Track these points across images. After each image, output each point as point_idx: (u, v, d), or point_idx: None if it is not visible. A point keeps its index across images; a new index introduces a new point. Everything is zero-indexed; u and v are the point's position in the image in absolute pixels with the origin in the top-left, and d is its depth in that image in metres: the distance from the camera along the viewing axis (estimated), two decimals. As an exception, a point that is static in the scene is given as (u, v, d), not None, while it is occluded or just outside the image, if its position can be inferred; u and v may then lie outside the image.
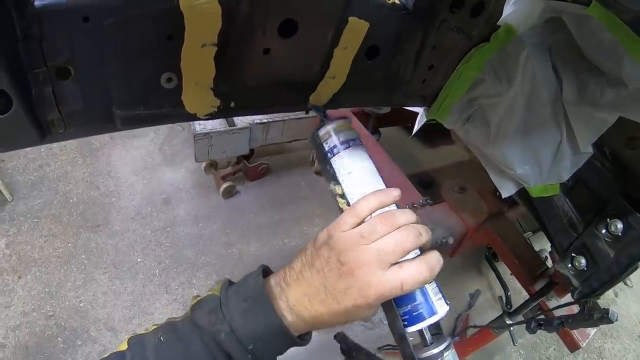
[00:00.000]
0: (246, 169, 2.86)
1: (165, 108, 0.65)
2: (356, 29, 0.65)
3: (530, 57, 0.88)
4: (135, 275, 2.41)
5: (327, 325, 0.64)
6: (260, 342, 0.61)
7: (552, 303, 1.49)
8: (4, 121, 0.51)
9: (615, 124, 0.90)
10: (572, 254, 1.09)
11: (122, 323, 2.22)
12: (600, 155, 1.03)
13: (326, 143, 0.73)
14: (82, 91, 0.57)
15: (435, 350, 0.65)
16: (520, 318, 1.59)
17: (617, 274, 1.02)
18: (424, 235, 0.61)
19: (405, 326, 0.65)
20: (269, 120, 2.45)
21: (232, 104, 0.67)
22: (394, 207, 0.67)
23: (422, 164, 2.54)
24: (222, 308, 0.62)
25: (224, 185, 2.75)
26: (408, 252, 0.60)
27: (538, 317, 1.34)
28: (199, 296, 0.67)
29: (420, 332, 0.66)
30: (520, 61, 0.88)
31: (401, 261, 0.60)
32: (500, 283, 2.13)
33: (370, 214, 0.63)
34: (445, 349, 0.65)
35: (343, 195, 0.72)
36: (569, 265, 1.10)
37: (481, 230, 1.60)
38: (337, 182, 0.72)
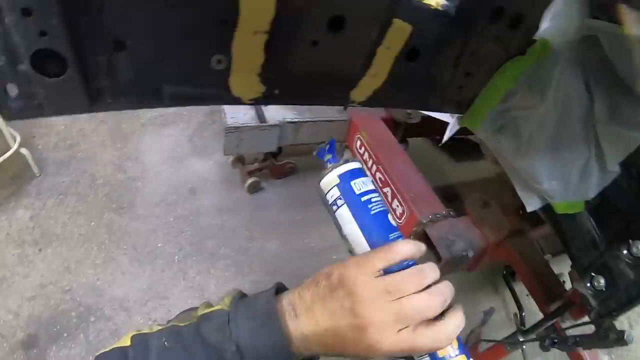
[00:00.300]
0: (273, 166, 2.86)
1: (212, 89, 0.67)
2: (399, 31, 0.68)
3: (564, 73, 0.90)
4: (154, 259, 2.43)
5: (334, 356, 0.61)
6: None
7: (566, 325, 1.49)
8: (57, 84, 0.54)
9: (644, 143, 0.91)
10: (592, 273, 1.09)
11: (137, 305, 2.24)
12: (627, 175, 1.03)
13: (330, 191, 0.71)
14: (135, 64, 0.59)
15: None
16: (533, 337, 1.58)
17: (635, 297, 1.01)
18: (449, 298, 0.58)
19: None
20: (300, 120, 2.45)
21: (276, 92, 0.69)
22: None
23: (446, 177, 2.53)
24: (230, 325, 0.60)
25: (250, 181, 2.76)
26: (428, 319, 0.56)
27: (553, 335, 1.33)
28: (209, 305, 0.66)
29: None
30: (554, 76, 0.89)
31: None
32: (516, 303, 2.12)
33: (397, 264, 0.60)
34: None
35: (352, 253, 0.69)
36: (588, 285, 1.10)
37: (502, 246, 1.60)
38: (343, 237, 0.70)
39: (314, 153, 0.76)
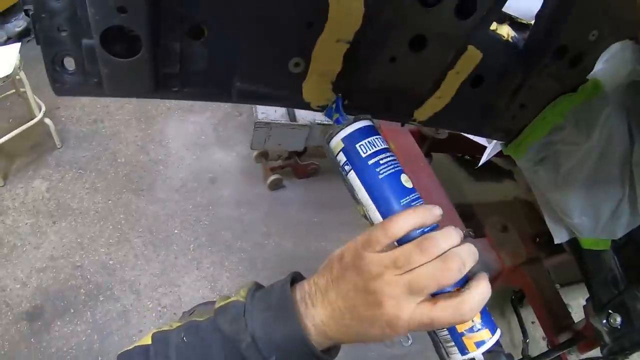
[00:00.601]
0: (296, 165, 2.86)
1: (284, 90, 0.68)
2: (471, 57, 0.70)
3: (611, 115, 0.93)
4: (169, 245, 2.44)
5: (355, 342, 0.59)
6: (281, 354, 0.57)
7: (573, 358, 1.51)
8: (125, 65, 0.52)
9: (676, 193, 0.94)
10: (609, 311, 1.11)
11: (147, 289, 2.24)
12: (656, 221, 1.06)
13: (337, 157, 0.65)
14: (209, 55, 0.58)
15: None
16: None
17: (649, 338, 1.04)
18: (468, 263, 0.53)
19: (451, 353, 0.60)
20: (330, 123, 2.42)
21: (346, 102, 0.70)
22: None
23: (464, 195, 2.54)
24: (245, 316, 0.58)
25: (272, 177, 2.76)
26: (446, 287, 0.53)
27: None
28: (227, 297, 0.64)
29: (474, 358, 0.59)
30: (602, 117, 0.92)
31: (439, 294, 0.54)
32: (521, 329, 2.13)
33: (407, 234, 0.56)
34: None
35: (367, 217, 0.64)
36: (604, 321, 1.12)
37: (516, 272, 1.62)
38: (357, 202, 0.64)
39: (323, 113, 0.72)
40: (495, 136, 0.93)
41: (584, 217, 1.05)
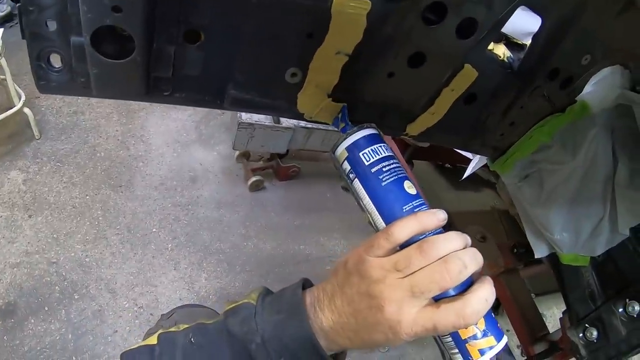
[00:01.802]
0: (277, 167, 2.86)
1: (279, 100, 0.67)
2: (467, 75, 0.71)
3: (597, 136, 0.95)
4: (147, 244, 2.40)
5: (361, 349, 0.61)
6: (290, 356, 0.58)
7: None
8: (116, 66, 0.51)
9: (656, 215, 0.97)
10: (586, 324, 1.14)
11: (123, 288, 2.20)
12: (635, 240, 1.09)
13: (342, 165, 0.67)
14: (204, 60, 0.56)
15: None
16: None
17: (624, 352, 1.06)
18: (470, 266, 0.53)
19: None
20: (313, 126, 2.45)
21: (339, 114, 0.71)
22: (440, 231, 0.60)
23: (443, 203, 2.56)
24: (256, 318, 0.60)
25: (253, 179, 2.75)
26: (447, 289, 0.53)
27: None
28: (235, 301, 0.65)
29: None
30: (588, 137, 0.95)
31: (441, 298, 0.54)
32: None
33: (409, 238, 0.56)
34: None
35: (372, 224, 0.65)
36: (581, 335, 1.15)
37: (494, 282, 1.63)
38: (363, 210, 0.65)
39: (331, 122, 0.72)
40: (483, 152, 0.94)
41: (564, 233, 1.07)
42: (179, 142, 2.96)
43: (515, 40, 0.80)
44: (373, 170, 0.63)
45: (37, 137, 2.63)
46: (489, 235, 1.73)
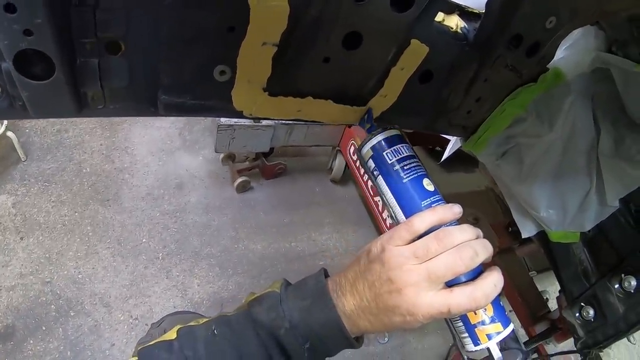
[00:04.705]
0: (263, 166, 2.85)
1: (213, 100, 0.64)
2: (416, 52, 0.65)
3: (574, 104, 0.89)
4: (138, 255, 2.40)
5: (381, 332, 0.65)
6: (317, 340, 0.62)
7: (550, 347, 1.49)
8: (42, 87, 0.50)
9: (645, 182, 0.91)
10: (582, 303, 1.09)
11: (118, 301, 2.20)
12: (626, 211, 1.03)
13: (367, 163, 0.73)
14: (129, 69, 0.55)
15: None
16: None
17: (623, 330, 1.02)
18: (481, 254, 0.59)
19: (465, 344, 0.65)
20: (294, 122, 2.41)
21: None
22: (455, 223, 0.66)
23: (437, 187, 2.53)
24: (282, 305, 0.64)
25: (239, 180, 2.74)
26: (460, 274, 0.59)
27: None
28: (254, 293, 0.68)
29: (488, 349, 0.64)
30: (564, 106, 0.89)
31: (455, 284, 0.59)
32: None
33: (428, 230, 0.62)
34: None
35: (393, 217, 0.71)
36: (577, 314, 1.10)
37: (489, 263, 1.59)
38: (385, 204, 0.71)
39: (357, 123, 0.76)
40: (452, 132, 0.88)
41: (551, 210, 1.02)
42: (163, 151, 2.95)
43: (470, 10, 0.73)
44: (395, 168, 0.70)
45: (23, 159, 2.62)
46: (482, 216, 1.69)
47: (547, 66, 0.83)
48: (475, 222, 1.66)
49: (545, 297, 1.82)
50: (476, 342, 0.64)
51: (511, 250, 1.65)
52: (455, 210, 0.65)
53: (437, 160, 2.64)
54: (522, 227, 1.11)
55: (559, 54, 0.85)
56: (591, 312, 1.07)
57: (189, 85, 0.61)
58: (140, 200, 2.64)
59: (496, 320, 0.63)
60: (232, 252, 2.55)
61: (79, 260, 2.30)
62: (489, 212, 1.69)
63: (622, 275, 1.02)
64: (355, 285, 0.62)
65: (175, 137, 3.07)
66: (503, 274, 1.52)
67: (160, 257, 2.43)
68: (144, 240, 2.47)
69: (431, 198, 0.68)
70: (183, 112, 0.64)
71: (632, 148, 0.92)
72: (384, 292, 0.59)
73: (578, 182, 0.99)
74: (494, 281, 0.60)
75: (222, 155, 2.78)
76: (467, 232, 0.61)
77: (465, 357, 0.71)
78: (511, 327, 0.64)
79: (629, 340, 1.10)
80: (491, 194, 1.81)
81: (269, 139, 2.49)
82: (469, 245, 0.59)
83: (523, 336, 1.54)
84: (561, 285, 1.18)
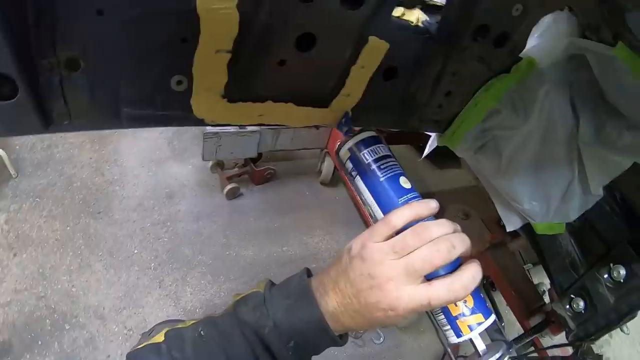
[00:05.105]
0: (252, 172, 2.85)
1: (174, 110, 0.63)
2: (375, 49, 0.64)
3: (550, 92, 0.87)
4: (130, 266, 2.40)
5: (364, 329, 0.67)
6: (301, 338, 0.63)
7: (546, 339, 1.48)
8: (8, 107, 0.50)
9: (629, 169, 0.89)
10: (571, 295, 1.07)
11: (112, 313, 2.20)
12: (611, 199, 1.01)
13: (346, 164, 0.75)
14: (90, 85, 0.55)
15: None
16: (512, 353, 1.56)
17: (614, 321, 1.00)
18: (458, 247, 0.60)
19: (448, 336, 0.66)
20: (287, 126, 2.41)
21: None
22: (432, 218, 0.66)
23: (429, 185, 2.52)
24: (266, 304, 0.64)
25: (229, 187, 2.74)
26: (438, 267, 0.59)
27: (529, 356, 1.31)
28: (240, 294, 0.69)
29: (471, 340, 0.65)
30: (539, 96, 0.86)
31: (434, 277, 0.60)
32: (495, 313, 2.09)
33: (405, 226, 0.62)
34: None
35: (372, 216, 0.72)
36: (567, 307, 1.08)
37: (481, 259, 1.58)
38: (364, 203, 0.73)
39: (335, 126, 0.76)
40: (425, 128, 0.86)
41: (534, 202, 1.00)
42: (153, 161, 2.96)
43: (432, 2, 0.72)
44: (372, 168, 0.71)
45: (14, 176, 2.63)
46: (473, 212, 1.68)
47: (520, 55, 0.81)
48: (465, 218, 1.65)
49: (542, 290, 1.80)
50: (458, 333, 0.65)
51: (504, 244, 1.63)
52: (432, 205, 0.65)
53: (427, 157, 2.63)
54: (506, 220, 1.09)
55: (532, 42, 0.83)
56: (581, 303, 1.05)
57: (148, 97, 0.60)
58: (131, 212, 2.64)
59: (477, 312, 0.64)
60: (224, 259, 2.55)
61: (72, 274, 2.30)
62: (481, 207, 1.67)
63: (611, 264, 1.00)
64: (337, 282, 0.63)
65: (164, 146, 3.07)
66: (496, 269, 1.51)
67: (152, 267, 2.43)
68: (135, 251, 2.47)
69: (408, 195, 0.69)
70: (146, 124, 0.64)
71: (612, 134, 0.89)
72: (365, 288, 0.60)
73: (560, 172, 0.97)
74: (472, 273, 0.60)
75: (210, 163, 2.78)
76: (444, 226, 0.62)
77: (448, 350, 0.73)
78: (493, 317, 0.65)
79: (621, 330, 1.08)
80: (483, 189, 1.79)
81: (256, 144, 2.49)
82: (446, 238, 0.60)
83: (519, 330, 1.53)
84: (550, 278, 1.16)
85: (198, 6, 0.50)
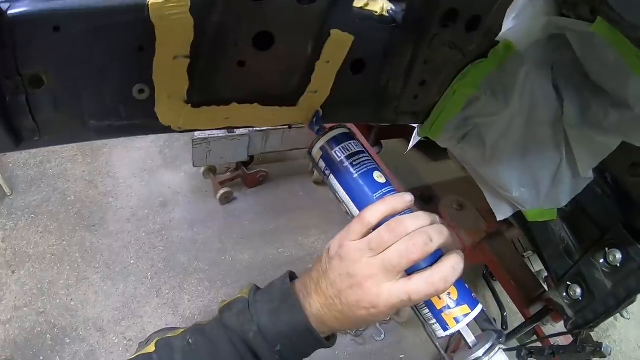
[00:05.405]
0: (244, 175, 2.85)
1: (139, 119, 0.63)
2: (339, 42, 0.62)
3: (530, 74, 0.84)
4: (127, 277, 2.41)
5: (349, 329, 0.69)
6: (287, 342, 0.62)
7: (548, 328, 1.45)
8: None
9: (618, 149, 0.86)
10: (568, 282, 1.04)
11: (111, 324, 2.21)
12: (602, 182, 0.98)
13: (319, 163, 0.74)
14: (55, 100, 0.55)
15: (475, 356, 0.63)
16: (514, 342, 1.54)
17: (613, 307, 0.96)
18: (435, 239, 0.59)
19: (435, 331, 0.66)
20: (269, 128, 2.43)
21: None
22: (409, 212, 0.65)
23: (423, 177, 2.50)
24: (250, 309, 0.64)
25: (222, 191, 2.74)
26: (416, 261, 0.58)
27: (529, 345, 1.29)
28: (225, 300, 0.69)
29: (459, 333, 0.65)
30: (519, 79, 0.83)
31: (413, 271, 0.60)
32: (497, 303, 2.07)
33: (382, 221, 0.62)
34: (486, 353, 0.63)
35: (349, 213, 0.72)
36: (564, 294, 1.05)
37: (478, 249, 1.56)
38: (339, 201, 0.72)
39: (307, 125, 0.76)
40: (402, 120, 0.84)
41: (522, 188, 0.97)
42: (145, 170, 2.97)
43: (398, -10, 0.69)
44: (345, 165, 0.70)
45: (8, 194, 2.64)
46: (467, 202, 1.65)
47: (497, 39, 0.78)
48: (460, 209, 1.62)
49: (543, 277, 1.77)
50: (445, 327, 0.64)
51: (500, 233, 1.60)
52: (407, 198, 0.65)
53: (421, 150, 2.59)
54: (496, 210, 1.06)
55: (508, 24, 0.80)
56: (578, 290, 1.02)
57: (112, 108, 0.60)
58: (126, 222, 2.65)
59: (462, 303, 0.64)
60: (220, 264, 2.56)
61: (70, 288, 2.32)
62: (475, 197, 1.64)
63: (606, 249, 0.97)
64: (319, 284, 0.63)
65: (155, 155, 3.08)
66: (494, 258, 1.48)
67: (149, 277, 2.44)
68: (132, 261, 2.48)
69: (382, 190, 0.68)
70: (114, 134, 0.64)
71: (599, 114, 0.86)
72: (345, 287, 0.60)
73: (547, 156, 0.94)
74: (451, 264, 0.60)
75: (203, 169, 2.79)
76: (421, 218, 0.62)
77: (437, 344, 0.73)
78: (479, 307, 0.65)
79: (621, 315, 1.05)
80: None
81: (246, 147, 2.49)
82: (422, 231, 0.59)
83: (520, 320, 1.50)
84: (545, 266, 1.13)
85: (151, 14, 0.50)
